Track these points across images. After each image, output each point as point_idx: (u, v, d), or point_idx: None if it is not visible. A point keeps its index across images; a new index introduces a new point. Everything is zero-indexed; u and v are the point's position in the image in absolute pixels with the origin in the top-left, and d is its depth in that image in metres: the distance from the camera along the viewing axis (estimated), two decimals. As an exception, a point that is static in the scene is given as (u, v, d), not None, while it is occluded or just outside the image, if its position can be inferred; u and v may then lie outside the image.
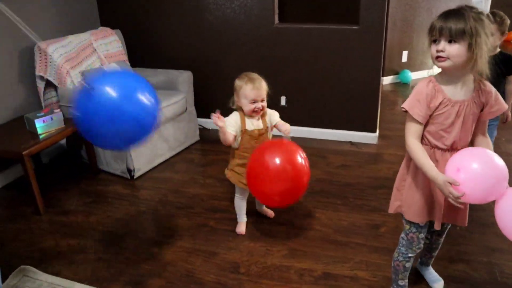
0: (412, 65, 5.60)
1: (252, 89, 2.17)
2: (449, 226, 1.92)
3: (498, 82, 2.41)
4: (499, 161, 1.45)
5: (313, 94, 3.66)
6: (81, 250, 2.36)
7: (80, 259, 2.29)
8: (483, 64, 1.45)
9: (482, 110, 1.58)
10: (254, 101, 2.18)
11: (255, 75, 2.24)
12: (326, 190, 2.91)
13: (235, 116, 2.26)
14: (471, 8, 1.45)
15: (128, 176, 3.11)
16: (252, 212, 2.61)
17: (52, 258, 2.30)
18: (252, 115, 2.24)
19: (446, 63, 1.46)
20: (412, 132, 1.60)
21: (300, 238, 2.42)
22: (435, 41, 1.48)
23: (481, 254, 2.27)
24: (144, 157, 3.16)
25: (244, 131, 2.24)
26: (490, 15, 1.49)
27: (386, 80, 5.54)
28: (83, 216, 2.69)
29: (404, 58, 5.58)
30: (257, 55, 3.67)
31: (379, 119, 4.07)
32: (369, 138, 3.64)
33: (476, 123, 1.61)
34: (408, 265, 1.87)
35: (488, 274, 2.13)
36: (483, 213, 2.55)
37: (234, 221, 2.54)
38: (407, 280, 1.94)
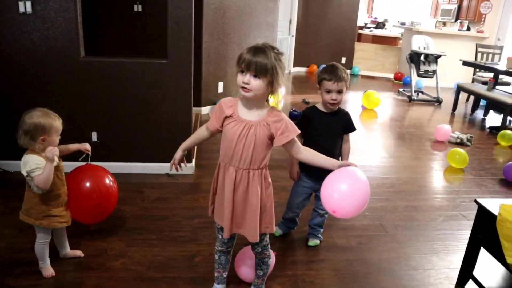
0: (228, 95, 5.99)
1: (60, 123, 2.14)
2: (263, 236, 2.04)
3: (335, 139, 2.55)
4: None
5: (127, 128, 3.60)
6: None
7: None
8: (278, 96, 1.78)
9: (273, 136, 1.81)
10: None
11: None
12: (142, 226, 2.87)
13: (36, 156, 2.07)
14: (273, 48, 1.71)
15: None
16: (57, 260, 2.42)
17: None
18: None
19: (249, 94, 1.71)
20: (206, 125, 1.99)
21: (112, 281, 2.32)
22: (242, 71, 1.70)
23: (286, 268, 2.51)
24: None
25: (57, 168, 2.13)
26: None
27: (205, 110, 5.79)
28: None
29: (220, 89, 5.93)
30: (65, 90, 3.44)
31: (196, 149, 4.23)
32: (186, 168, 3.72)
33: (284, 146, 1.83)
34: (217, 257, 2.16)
35: (292, 285, 2.36)
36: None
37: (37, 274, 2.30)
38: (218, 272, 2.20)
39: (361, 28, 12.82)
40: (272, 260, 2.19)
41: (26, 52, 3.35)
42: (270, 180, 1.93)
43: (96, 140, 3.55)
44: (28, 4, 3.23)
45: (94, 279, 2.32)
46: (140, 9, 4.88)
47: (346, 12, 10.27)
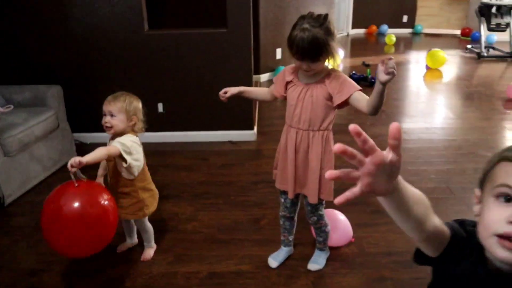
0: (287, 62, 5.94)
1: (105, 101, 2.08)
2: (319, 206, 2.07)
3: None
4: None
5: (190, 98, 3.73)
6: None
7: None
8: (337, 60, 1.79)
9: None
10: (104, 114, 2.07)
11: (121, 93, 2.11)
12: (208, 191, 3.01)
13: None
14: (317, 19, 1.69)
15: (-3, 204, 2.88)
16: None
17: None
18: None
19: (312, 73, 1.79)
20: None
21: (185, 242, 2.48)
22: (298, 59, 1.75)
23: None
24: (15, 181, 2.95)
25: None
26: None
27: (264, 78, 5.81)
28: None
29: (279, 55, 5.90)
30: (130, 63, 3.62)
31: (258, 117, 4.29)
32: (248, 135, 3.82)
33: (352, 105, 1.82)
34: (281, 222, 2.24)
35: (357, 247, 2.40)
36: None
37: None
38: (284, 236, 2.28)
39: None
40: (329, 227, 2.22)
41: (94, 28, 3.54)
42: (332, 145, 1.93)
43: (162, 111, 3.71)
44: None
45: (169, 241, 2.49)
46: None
47: (407, -35, 9.69)
